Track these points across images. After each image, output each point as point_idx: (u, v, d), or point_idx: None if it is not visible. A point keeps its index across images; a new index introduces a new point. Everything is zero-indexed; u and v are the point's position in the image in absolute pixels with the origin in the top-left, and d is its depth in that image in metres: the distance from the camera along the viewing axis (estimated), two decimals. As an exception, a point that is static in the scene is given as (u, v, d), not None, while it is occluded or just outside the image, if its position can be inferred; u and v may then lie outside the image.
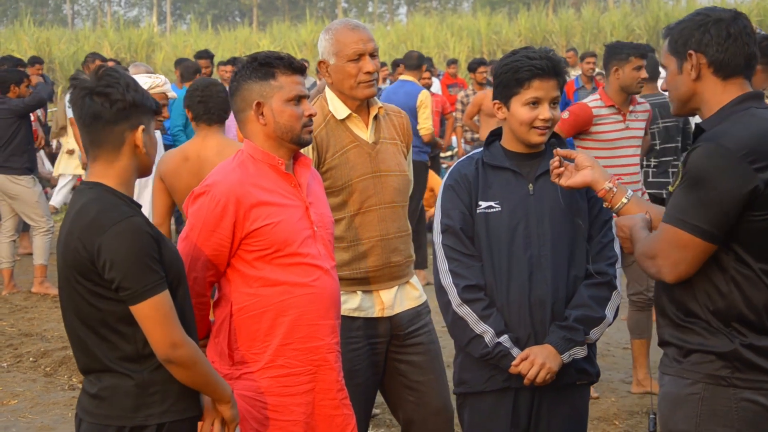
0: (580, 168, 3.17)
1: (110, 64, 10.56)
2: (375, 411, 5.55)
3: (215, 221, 3.11)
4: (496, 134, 3.47)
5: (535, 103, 3.28)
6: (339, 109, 3.82)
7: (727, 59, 2.84)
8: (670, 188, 2.88)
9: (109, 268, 2.67)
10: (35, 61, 13.85)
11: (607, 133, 5.78)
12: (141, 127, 2.79)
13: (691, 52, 2.86)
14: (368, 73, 3.75)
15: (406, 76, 9.47)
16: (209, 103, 4.92)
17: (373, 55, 3.78)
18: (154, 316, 2.70)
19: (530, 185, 3.35)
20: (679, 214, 2.75)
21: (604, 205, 3.17)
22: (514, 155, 3.38)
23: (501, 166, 3.36)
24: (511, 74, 3.28)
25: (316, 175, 3.43)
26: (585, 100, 5.90)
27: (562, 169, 3.20)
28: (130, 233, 2.68)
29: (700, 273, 2.79)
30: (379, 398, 4.11)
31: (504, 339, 3.25)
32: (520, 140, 3.35)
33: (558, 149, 3.25)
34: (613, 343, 7.24)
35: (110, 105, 2.74)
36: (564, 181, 3.19)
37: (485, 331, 3.25)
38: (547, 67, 3.27)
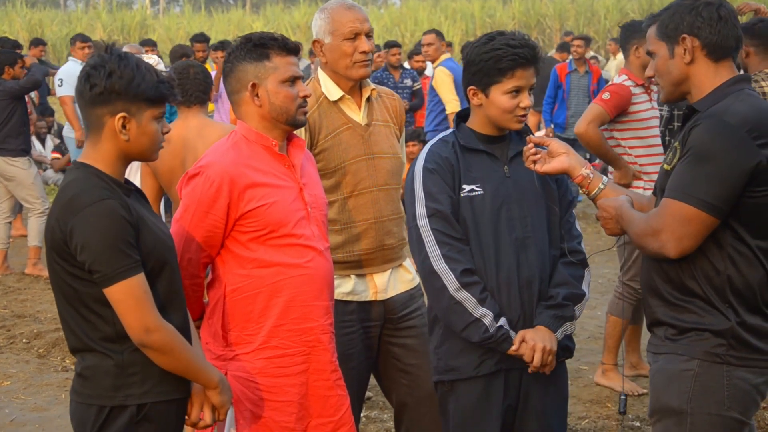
0: (555, 155, 3.16)
1: (82, 46, 10.53)
2: (368, 394, 5.57)
3: (209, 202, 3.11)
4: (461, 116, 3.44)
5: (517, 91, 3.26)
6: (332, 90, 3.80)
7: (720, 41, 2.88)
8: (666, 166, 2.90)
9: (80, 250, 2.67)
10: (38, 42, 13.86)
11: (642, 112, 5.74)
12: (120, 115, 2.75)
13: (684, 35, 2.88)
14: (364, 52, 3.74)
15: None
16: (186, 85, 4.92)
17: (368, 35, 3.77)
18: (126, 300, 2.68)
19: (505, 167, 3.34)
20: (683, 188, 2.78)
21: (581, 191, 3.18)
22: (485, 138, 3.36)
23: (477, 149, 3.34)
24: (493, 63, 3.23)
25: (310, 156, 3.43)
26: (617, 81, 5.78)
27: (538, 156, 3.19)
28: (102, 216, 2.67)
29: (697, 250, 2.82)
30: (372, 381, 4.13)
31: (503, 322, 3.24)
32: (496, 126, 3.33)
33: (531, 136, 3.24)
34: (604, 325, 7.25)
35: (89, 88, 2.75)
36: (540, 167, 3.18)
37: (485, 314, 3.22)
38: (530, 56, 3.24)
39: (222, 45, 11.30)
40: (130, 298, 2.68)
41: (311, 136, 3.76)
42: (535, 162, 3.19)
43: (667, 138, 7.23)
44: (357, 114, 3.83)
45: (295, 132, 3.34)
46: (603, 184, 3.12)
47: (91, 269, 2.68)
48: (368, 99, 3.86)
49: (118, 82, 2.74)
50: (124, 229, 2.69)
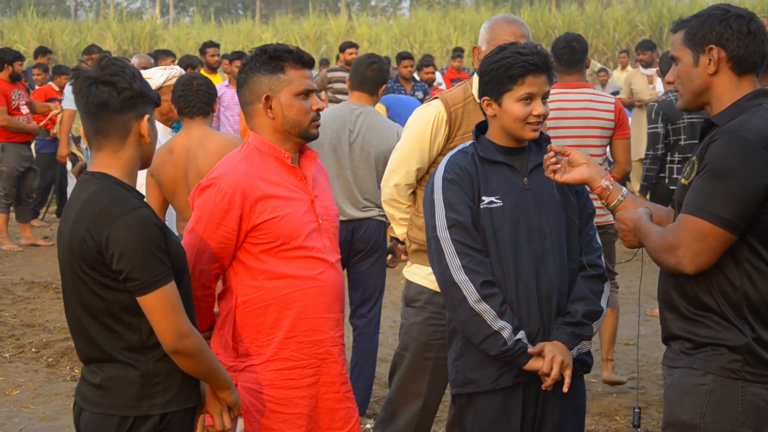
0: (575, 165, 3.16)
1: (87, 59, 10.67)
2: (373, 409, 5.56)
3: (221, 214, 3.12)
4: (480, 128, 3.45)
5: (529, 98, 3.25)
6: None
7: (746, 55, 2.86)
8: (683, 180, 2.90)
9: (118, 258, 2.67)
10: (44, 51, 13.95)
11: None
12: (146, 117, 2.80)
13: (711, 46, 2.86)
14: None
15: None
16: (189, 96, 4.98)
17: None
18: (162, 306, 2.70)
19: (525, 179, 3.33)
20: (700, 204, 2.76)
21: (601, 202, 3.17)
22: (504, 149, 3.35)
23: (496, 161, 3.33)
24: (503, 71, 3.24)
25: (322, 168, 3.44)
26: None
27: (558, 165, 3.18)
28: (139, 224, 2.69)
29: (714, 265, 2.80)
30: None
31: (522, 335, 3.22)
32: (511, 136, 3.33)
33: (552, 145, 3.23)
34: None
35: (117, 93, 2.74)
36: (559, 177, 3.17)
37: (504, 327, 3.19)
38: (540, 63, 3.24)
39: (239, 55, 11.39)
40: (165, 304, 2.70)
41: (450, 129, 3.96)
42: (555, 171, 3.18)
43: (663, 153, 7.25)
44: None
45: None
46: (622, 195, 3.11)
47: (128, 277, 2.69)
48: None
49: (141, 85, 2.77)
50: (158, 237, 2.72)
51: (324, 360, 3.24)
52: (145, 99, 2.79)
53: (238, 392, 3.06)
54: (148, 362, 2.78)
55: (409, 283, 4.19)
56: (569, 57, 5.83)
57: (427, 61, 13.18)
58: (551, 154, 3.20)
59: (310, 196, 3.24)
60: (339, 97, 11.59)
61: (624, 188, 3.15)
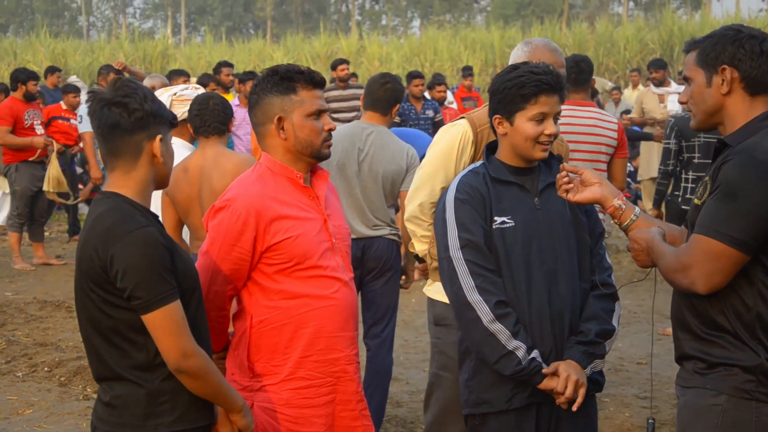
0: (588, 184, 3.16)
1: (117, 63, 10.70)
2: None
3: (236, 235, 3.13)
4: (490, 148, 3.46)
5: (541, 118, 3.27)
6: None
7: (759, 76, 2.86)
8: (696, 201, 2.90)
9: (122, 277, 2.69)
10: (54, 69, 14.04)
11: None
12: (159, 137, 2.82)
13: (724, 66, 2.87)
14: None
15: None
16: (205, 115, 5.02)
17: None
18: (165, 325, 2.71)
19: (536, 199, 3.34)
20: (713, 224, 2.76)
21: (613, 221, 3.17)
22: (514, 169, 3.36)
23: (507, 181, 3.34)
24: (516, 89, 3.25)
25: (333, 187, 3.45)
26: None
27: (571, 185, 3.19)
28: (144, 243, 2.70)
29: (727, 286, 2.80)
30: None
31: (536, 354, 3.22)
32: (521, 156, 3.34)
33: (564, 164, 3.24)
34: (626, 357, 7.24)
35: (128, 114, 2.78)
36: (572, 197, 3.18)
37: (518, 347, 3.20)
38: (553, 82, 3.26)
39: (251, 75, 11.44)
40: (169, 323, 2.71)
41: (475, 149, 3.96)
42: (567, 191, 3.18)
43: (677, 169, 7.31)
44: None
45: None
46: (635, 215, 3.11)
47: (131, 295, 2.70)
48: None
49: (152, 106, 2.80)
50: (163, 256, 2.73)
51: (340, 378, 3.25)
52: (157, 119, 2.82)
53: (255, 412, 3.07)
54: (154, 381, 2.79)
55: (433, 302, 4.16)
56: (577, 76, 5.97)
57: (438, 80, 13.20)
58: (564, 173, 3.21)
59: (322, 216, 3.25)
60: (333, 116, 11.55)
61: (636, 207, 3.16)
